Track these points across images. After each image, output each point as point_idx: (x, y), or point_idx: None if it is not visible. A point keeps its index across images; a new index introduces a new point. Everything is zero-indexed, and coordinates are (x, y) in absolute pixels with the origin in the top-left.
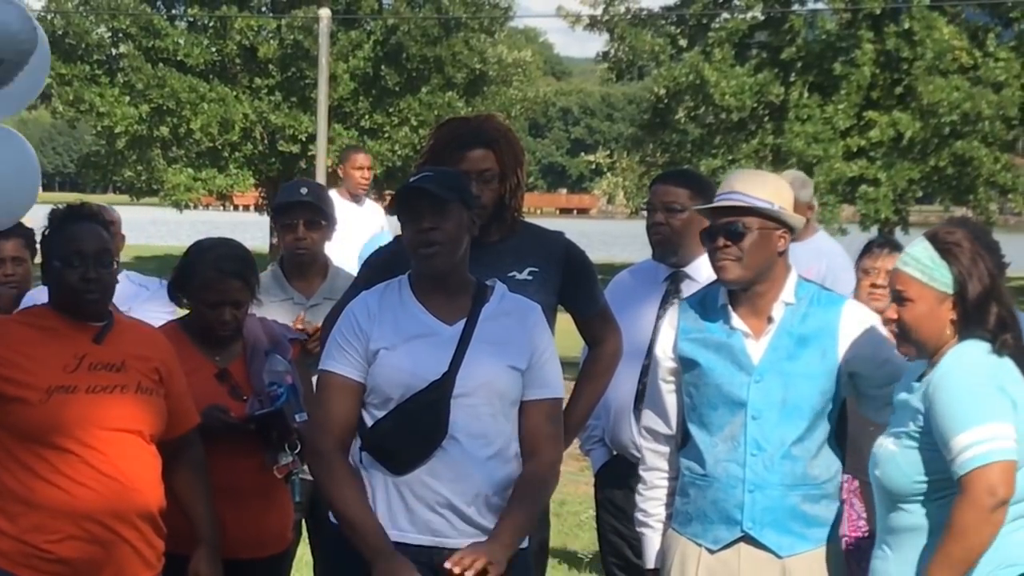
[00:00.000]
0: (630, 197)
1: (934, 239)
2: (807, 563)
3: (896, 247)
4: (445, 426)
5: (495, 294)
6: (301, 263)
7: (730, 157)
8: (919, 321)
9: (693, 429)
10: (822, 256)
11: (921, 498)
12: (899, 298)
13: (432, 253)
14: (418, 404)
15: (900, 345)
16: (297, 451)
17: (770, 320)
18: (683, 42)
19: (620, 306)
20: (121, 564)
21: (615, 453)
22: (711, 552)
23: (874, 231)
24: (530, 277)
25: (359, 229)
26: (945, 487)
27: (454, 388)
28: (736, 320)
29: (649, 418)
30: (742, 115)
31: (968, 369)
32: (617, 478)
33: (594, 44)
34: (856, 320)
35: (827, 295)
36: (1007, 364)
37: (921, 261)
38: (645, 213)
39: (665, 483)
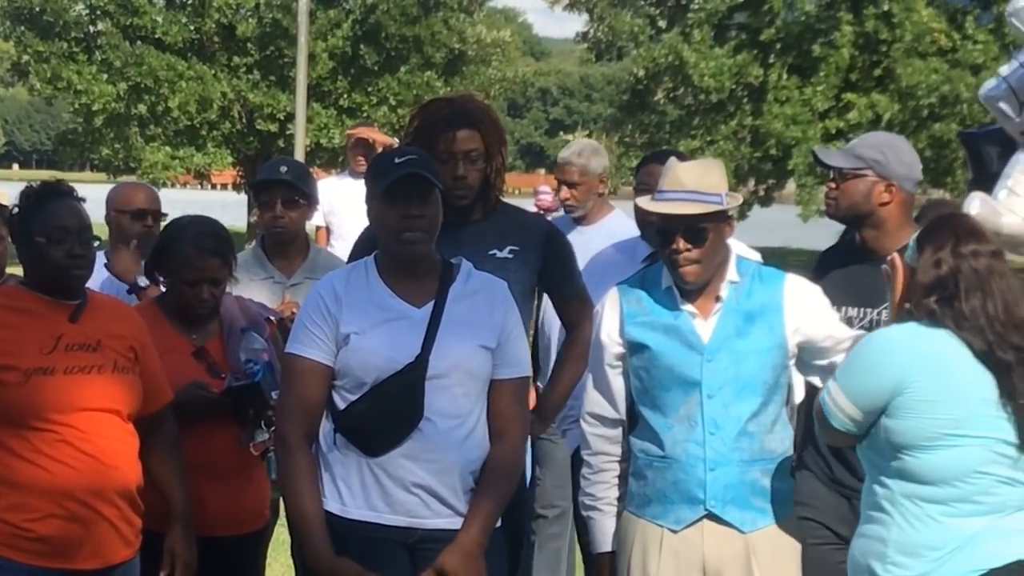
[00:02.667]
0: (609, 177)
1: (929, 214)
2: (769, 537)
3: None
4: (421, 408)
5: (461, 273)
6: (280, 241)
7: (709, 138)
8: (896, 281)
9: (646, 412)
10: (613, 237)
11: (873, 475)
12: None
13: (417, 239)
14: (393, 387)
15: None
16: (273, 428)
17: (717, 299)
18: (662, 23)
19: (599, 282)
20: (100, 542)
21: None
22: (674, 532)
23: None
24: (511, 255)
25: (352, 209)
26: (884, 461)
27: (428, 370)
28: (683, 302)
29: (595, 403)
30: (721, 96)
31: (874, 342)
32: None
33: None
34: (799, 292)
35: (768, 271)
36: (924, 337)
37: (910, 243)
38: (631, 191)
39: (613, 467)
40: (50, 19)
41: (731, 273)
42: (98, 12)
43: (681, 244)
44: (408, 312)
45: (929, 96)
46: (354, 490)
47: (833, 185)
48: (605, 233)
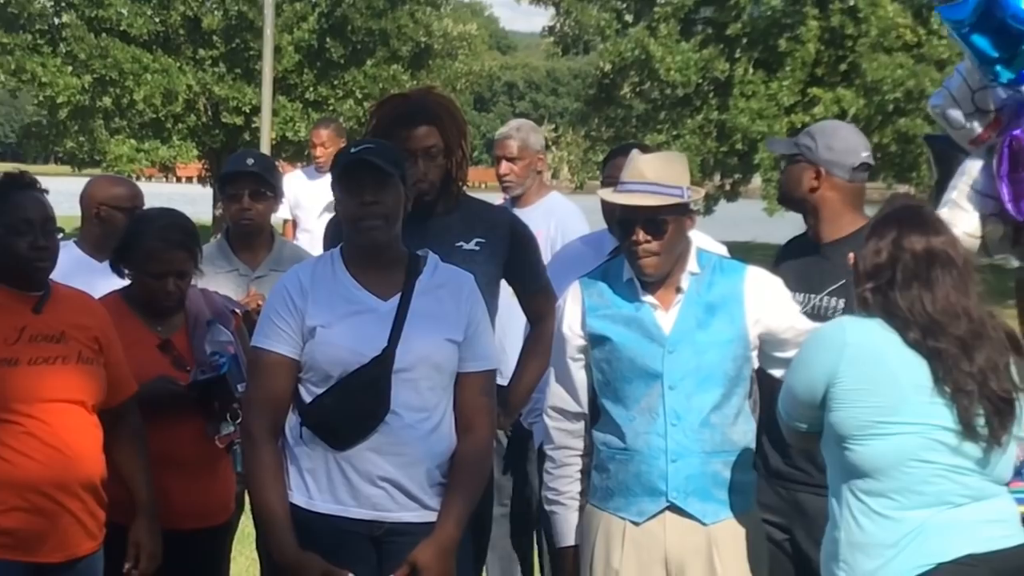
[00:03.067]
0: (575, 171)
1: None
2: (731, 529)
3: None
4: (387, 401)
5: (428, 265)
6: (246, 234)
7: (675, 132)
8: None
9: (608, 404)
10: (551, 217)
11: (832, 476)
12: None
13: (373, 227)
14: (359, 380)
15: None
16: (239, 421)
17: (678, 290)
18: (629, 17)
19: (565, 275)
20: (64, 534)
21: None
22: (636, 525)
23: None
24: (477, 248)
25: (316, 202)
26: (832, 460)
27: (394, 363)
28: (644, 294)
29: (557, 397)
30: (687, 91)
31: (813, 335)
32: None
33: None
34: (760, 284)
35: (728, 262)
36: (856, 327)
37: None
38: (598, 185)
39: (575, 461)
40: (14, 11)
41: (691, 265)
42: (63, 4)
43: (641, 235)
44: (374, 305)
45: (894, 91)
46: (320, 483)
47: (781, 172)
48: (543, 213)
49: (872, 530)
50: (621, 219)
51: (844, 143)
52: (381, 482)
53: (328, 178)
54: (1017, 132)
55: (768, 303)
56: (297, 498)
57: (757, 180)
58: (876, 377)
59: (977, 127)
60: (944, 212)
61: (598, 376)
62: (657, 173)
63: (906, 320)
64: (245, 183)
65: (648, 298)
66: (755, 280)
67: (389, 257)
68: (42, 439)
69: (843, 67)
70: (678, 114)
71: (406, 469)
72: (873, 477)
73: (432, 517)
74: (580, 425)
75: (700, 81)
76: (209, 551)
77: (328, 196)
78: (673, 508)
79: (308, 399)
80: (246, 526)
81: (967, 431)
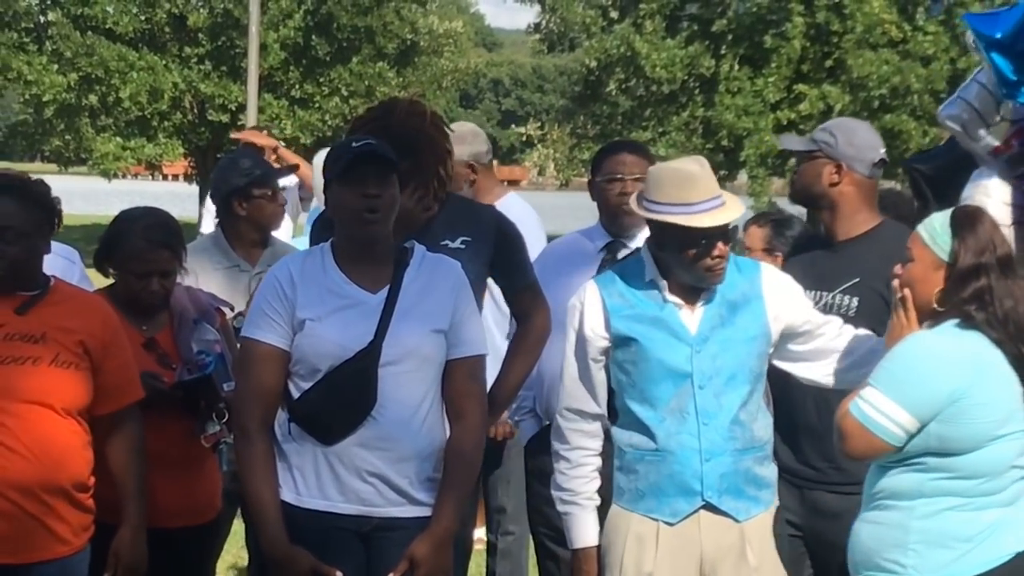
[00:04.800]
0: (560, 169)
1: (955, 209)
2: (761, 525)
3: (774, 222)
4: (374, 395)
5: (415, 257)
6: (263, 230)
7: (660, 129)
8: (913, 280)
9: (633, 405)
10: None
11: (896, 464)
12: (906, 256)
13: (374, 219)
14: (346, 374)
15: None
16: (225, 420)
17: (701, 290)
18: (614, 14)
19: (555, 273)
20: (27, 538)
21: (547, 423)
22: (670, 525)
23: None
24: (463, 246)
25: None
26: (916, 454)
27: (381, 356)
28: (669, 293)
29: (575, 398)
30: (673, 87)
31: (923, 347)
32: (548, 447)
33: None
34: (776, 281)
35: (743, 260)
36: (965, 342)
37: (932, 225)
38: (592, 182)
39: (592, 461)
40: (0, 9)
41: None
42: (48, 2)
43: (722, 249)
44: (363, 298)
45: (880, 87)
46: (308, 479)
47: (794, 169)
48: None
49: (955, 525)
50: (693, 239)
51: (864, 139)
52: (369, 477)
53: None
54: None
55: (785, 299)
56: (286, 494)
57: (743, 176)
58: (995, 391)
59: (997, 138)
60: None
61: (621, 377)
62: (715, 185)
63: (1006, 330)
64: (271, 183)
65: (673, 298)
66: (771, 277)
67: (380, 250)
68: (3, 442)
69: (829, 63)
70: (664, 111)
71: (394, 464)
72: (974, 479)
73: (421, 512)
74: (597, 426)
75: (686, 78)
76: (194, 550)
77: None
78: (708, 507)
79: (296, 394)
80: (240, 528)
81: None
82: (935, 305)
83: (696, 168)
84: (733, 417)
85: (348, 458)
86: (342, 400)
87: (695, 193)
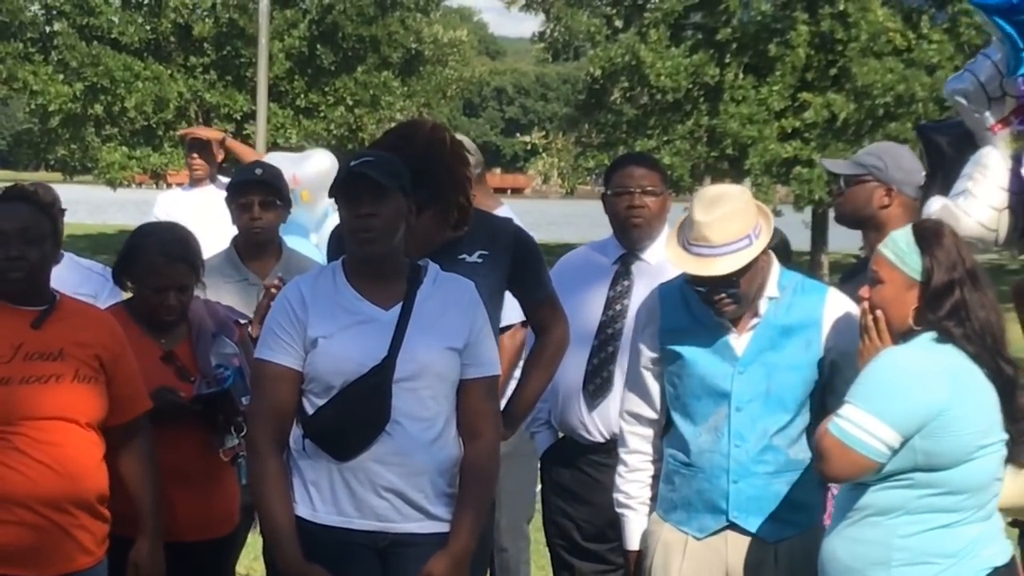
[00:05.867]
0: (565, 177)
1: (916, 226)
2: (796, 547)
3: None
4: (388, 411)
5: (428, 275)
6: (257, 243)
7: (665, 138)
8: (886, 303)
9: (677, 418)
10: None
11: (878, 481)
12: (872, 279)
13: (370, 239)
14: (360, 390)
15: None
16: (243, 433)
17: (755, 315)
18: (619, 23)
19: (569, 286)
20: (54, 550)
21: (561, 435)
22: (697, 539)
23: (808, 212)
24: (480, 260)
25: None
26: (902, 471)
27: (395, 373)
28: (721, 314)
29: (632, 402)
30: (677, 96)
31: (900, 361)
32: (564, 460)
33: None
34: (839, 309)
35: (810, 283)
36: (944, 357)
37: (898, 245)
38: (604, 196)
39: (648, 466)
40: (5, 19)
41: (771, 289)
42: (54, 12)
43: (718, 296)
44: (376, 315)
45: (884, 95)
46: (324, 495)
47: (839, 192)
48: None
49: (933, 543)
50: (697, 280)
51: (910, 163)
52: (385, 492)
53: (202, 193)
54: None
55: (845, 329)
56: (302, 511)
57: (747, 184)
58: (976, 403)
59: (996, 114)
60: (960, 201)
61: (670, 389)
62: (724, 234)
63: (983, 342)
64: (254, 192)
65: (724, 320)
66: (835, 304)
67: (390, 267)
68: (30, 455)
69: (833, 72)
70: (668, 119)
71: (410, 479)
72: (962, 494)
73: (437, 528)
74: (653, 431)
75: (690, 86)
76: (213, 563)
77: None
78: (734, 527)
79: (310, 411)
80: (257, 541)
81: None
82: (911, 324)
83: (706, 209)
84: (767, 442)
85: (363, 474)
86: (356, 416)
87: (691, 235)
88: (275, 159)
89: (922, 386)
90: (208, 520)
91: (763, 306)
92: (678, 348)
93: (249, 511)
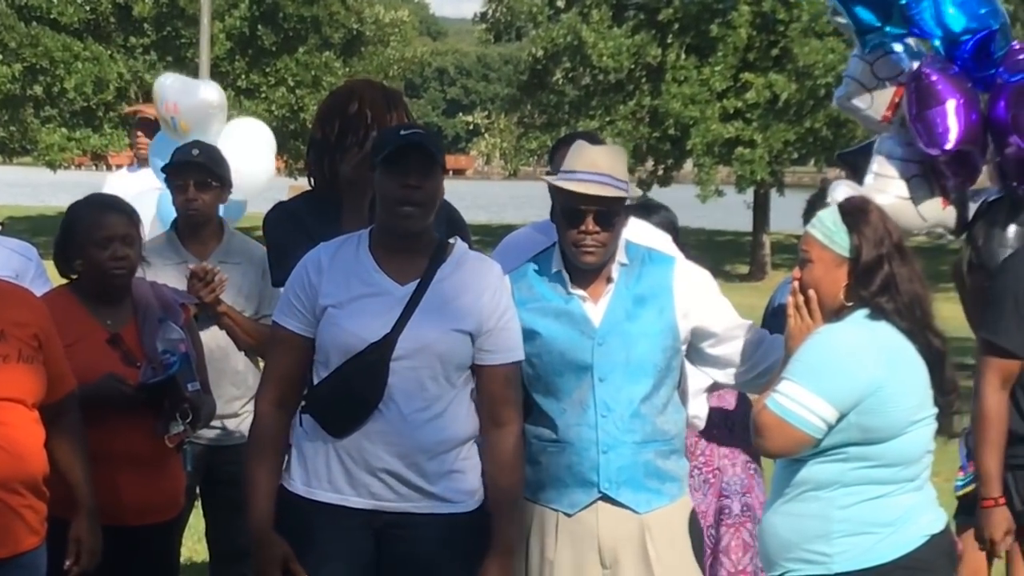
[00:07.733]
0: (507, 158)
1: (841, 205)
2: (665, 518)
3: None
4: (381, 389)
5: (454, 254)
6: (194, 224)
7: (607, 118)
8: (816, 282)
9: (539, 398)
10: None
11: (814, 456)
12: (802, 259)
13: (411, 213)
14: (356, 366)
15: (792, 316)
16: (188, 420)
17: (608, 281)
18: (561, 3)
19: (512, 264)
20: (7, 530)
21: None
22: (568, 516)
23: (750, 193)
24: None
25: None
26: (838, 445)
27: (394, 350)
28: (573, 286)
29: None
30: (619, 76)
31: (837, 339)
32: None
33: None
34: (689, 277)
35: (656, 254)
36: (879, 333)
37: (825, 224)
38: (531, 172)
39: None
40: None
41: (621, 255)
42: None
43: (591, 226)
44: (390, 288)
45: (826, 75)
46: (319, 472)
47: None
48: None
49: (871, 513)
50: (568, 208)
51: None
52: (379, 471)
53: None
54: (925, 69)
55: (698, 296)
56: (297, 486)
57: (689, 165)
58: (910, 377)
59: (882, 103)
60: (869, 181)
61: (529, 371)
62: (611, 165)
63: (913, 316)
64: (191, 173)
65: (577, 291)
66: (684, 272)
67: (419, 243)
68: None
69: (775, 52)
70: (611, 100)
71: (405, 459)
72: (896, 467)
73: (437, 507)
74: None
75: (632, 67)
76: (158, 546)
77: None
78: (605, 498)
79: (315, 382)
80: (198, 523)
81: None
82: (843, 300)
83: (594, 145)
84: (634, 410)
85: (357, 452)
86: (350, 393)
87: (580, 163)
88: (168, 84)
89: (859, 363)
90: (153, 505)
91: (615, 271)
92: (535, 326)
93: (191, 494)
